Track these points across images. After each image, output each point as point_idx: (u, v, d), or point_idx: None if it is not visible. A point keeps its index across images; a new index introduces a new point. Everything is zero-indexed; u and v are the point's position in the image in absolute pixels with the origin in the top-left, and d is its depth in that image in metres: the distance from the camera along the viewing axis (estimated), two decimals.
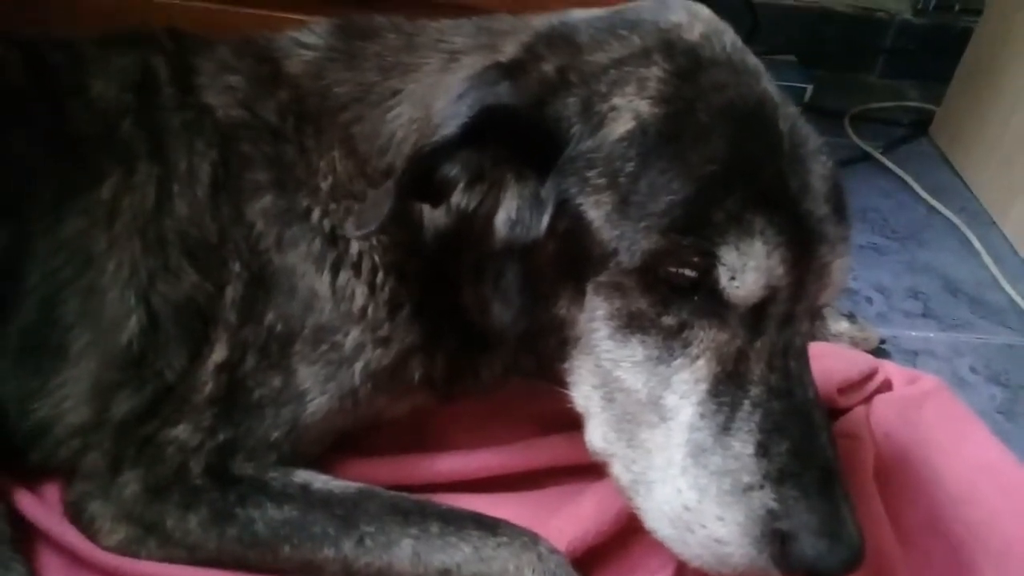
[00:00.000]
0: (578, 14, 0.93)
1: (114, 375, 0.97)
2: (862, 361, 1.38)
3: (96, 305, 0.97)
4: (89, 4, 1.50)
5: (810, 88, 2.35)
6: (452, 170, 0.84)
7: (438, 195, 0.86)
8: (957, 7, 2.56)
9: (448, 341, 1.01)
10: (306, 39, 1.08)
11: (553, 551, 0.93)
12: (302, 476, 0.98)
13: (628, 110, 0.81)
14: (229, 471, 0.96)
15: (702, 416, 0.79)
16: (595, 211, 0.81)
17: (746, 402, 0.78)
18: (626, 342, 0.82)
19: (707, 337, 0.79)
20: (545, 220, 0.84)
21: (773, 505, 0.75)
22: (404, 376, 1.01)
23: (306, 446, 1.00)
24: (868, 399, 1.34)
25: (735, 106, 0.81)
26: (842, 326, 1.48)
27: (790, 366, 0.80)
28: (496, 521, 0.95)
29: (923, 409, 1.33)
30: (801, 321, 0.81)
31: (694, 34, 0.87)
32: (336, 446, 1.07)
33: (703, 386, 0.79)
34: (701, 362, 0.79)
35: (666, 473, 0.80)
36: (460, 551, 0.92)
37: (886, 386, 1.38)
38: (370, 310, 0.98)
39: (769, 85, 0.86)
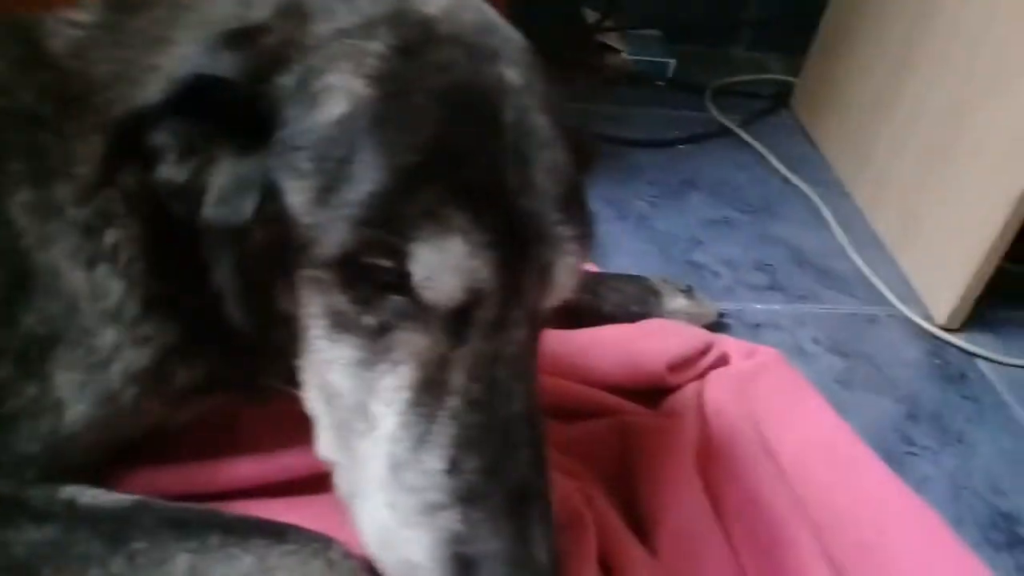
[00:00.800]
0: None
1: None
2: (696, 337, 1.37)
3: None
4: None
5: (672, 63, 2.36)
6: (160, 139, 0.79)
7: (149, 163, 0.80)
8: None
9: (210, 341, 0.94)
10: (76, 17, 1.00)
11: (347, 556, 0.88)
12: (68, 492, 0.89)
13: (342, 90, 0.74)
14: None
15: (402, 427, 0.74)
16: (298, 197, 0.75)
17: (442, 414, 0.73)
18: (337, 342, 0.76)
19: (409, 341, 0.74)
20: (250, 204, 0.78)
21: (459, 527, 0.70)
22: (167, 379, 0.94)
23: (73, 458, 0.92)
24: (702, 375, 1.34)
25: (454, 91, 0.74)
26: (678, 302, 1.47)
27: (497, 376, 0.73)
28: (285, 528, 0.89)
29: (758, 382, 1.34)
30: (517, 327, 0.75)
31: (433, 6, 0.80)
32: (125, 456, 0.99)
33: (405, 395, 0.74)
34: (403, 368, 0.74)
35: (370, 487, 0.75)
36: (241, 562, 0.86)
37: (722, 361, 1.38)
38: (127, 307, 0.90)
39: (510, 70, 0.78)
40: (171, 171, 0.80)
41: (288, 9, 0.81)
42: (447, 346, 0.73)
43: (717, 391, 1.29)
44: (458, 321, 0.73)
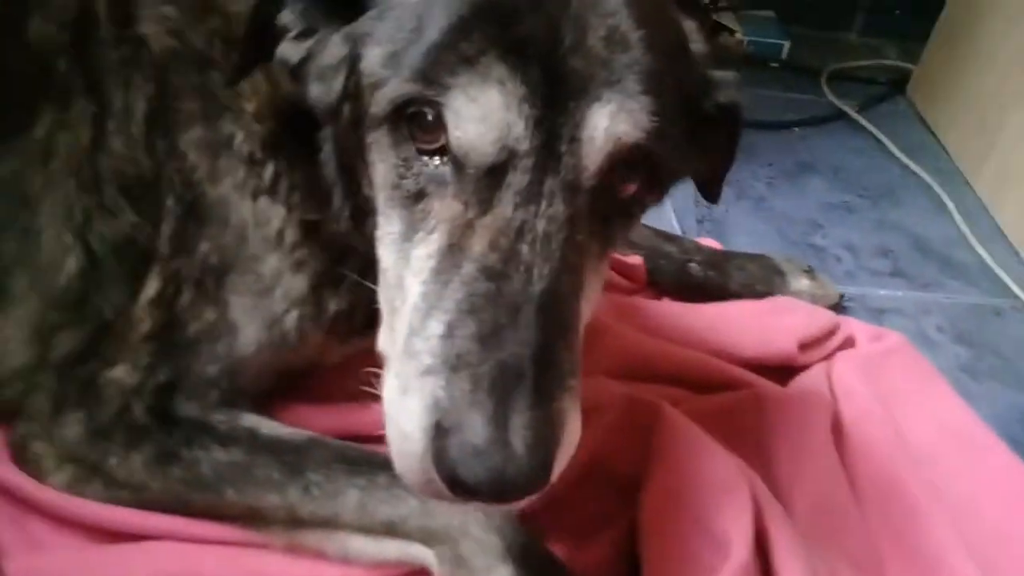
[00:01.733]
0: None
1: (54, 316, 0.95)
2: (824, 317, 1.37)
3: (33, 246, 0.95)
4: None
5: (787, 45, 2.32)
6: (286, 17, 0.83)
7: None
8: None
9: (347, 266, 0.96)
10: None
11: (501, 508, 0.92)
12: (249, 420, 0.96)
13: None
14: (172, 411, 0.94)
15: (422, 295, 0.72)
16: (371, 60, 0.77)
17: (456, 280, 0.70)
18: (388, 216, 0.77)
19: (442, 208, 0.73)
20: (340, 78, 0.80)
21: (441, 394, 0.66)
22: (321, 305, 0.99)
23: (245, 383, 0.98)
24: (829, 356, 1.33)
25: None
26: (802, 283, 1.46)
27: (518, 248, 0.69)
28: None
29: (886, 367, 1.33)
30: (551, 201, 0.71)
31: None
32: (282, 393, 1.05)
33: (431, 263, 0.73)
34: (435, 235, 0.73)
35: (390, 360, 0.74)
36: (406, 504, 0.90)
37: (849, 343, 1.37)
38: (287, 234, 0.95)
39: None
40: (290, 49, 0.85)
41: None
42: (476, 212, 0.71)
43: (846, 372, 1.29)
44: (489, 185, 0.71)
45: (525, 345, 0.67)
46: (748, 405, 1.16)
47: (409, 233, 0.75)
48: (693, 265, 1.41)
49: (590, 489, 0.98)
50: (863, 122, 2.13)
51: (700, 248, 1.45)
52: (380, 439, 1.00)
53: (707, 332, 1.28)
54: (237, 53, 0.89)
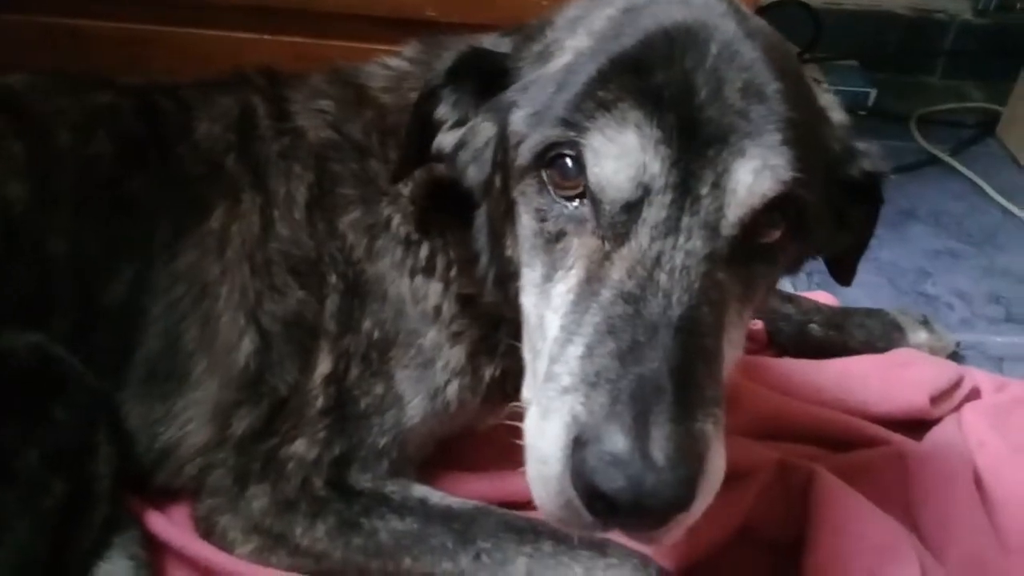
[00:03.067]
0: None
1: (233, 394, 1.02)
2: (949, 369, 1.38)
3: (212, 330, 1.03)
4: (189, 46, 1.59)
5: (873, 92, 2.35)
6: (442, 111, 0.91)
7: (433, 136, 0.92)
8: (1019, 6, 2.53)
9: (499, 333, 1.01)
10: (390, 61, 1.15)
11: (662, 572, 0.95)
12: (420, 490, 1.01)
13: (571, 47, 0.83)
14: (348, 483, 1.00)
15: (562, 327, 0.74)
16: (517, 121, 0.83)
17: (594, 306, 0.72)
18: (531, 266, 0.81)
19: (580, 244, 0.77)
20: (491, 154, 0.87)
21: (580, 409, 0.67)
22: (477, 372, 1.04)
23: (411, 452, 1.04)
24: (958, 407, 1.34)
25: (660, 27, 0.78)
26: (920, 336, 1.47)
27: (656, 276, 0.71)
28: (605, 541, 0.97)
29: (1014, 416, 1.33)
30: (688, 236, 0.73)
31: None
32: (436, 460, 1.10)
33: (570, 297, 0.76)
34: (573, 271, 0.76)
35: (532, 393, 0.76)
36: (571, 571, 0.94)
37: (974, 394, 1.37)
38: (444, 308, 1.01)
39: (729, 22, 0.79)
40: (446, 139, 0.93)
41: (552, 14, 0.91)
42: (613, 244, 0.74)
43: (976, 424, 1.29)
44: (625, 221, 0.74)
45: (664, 361, 0.67)
46: (890, 462, 1.17)
47: (549, 274, 0.79)
48: (814, 326, 1.43)
49: (744, 553, 1.01)
50: (958, 166, 2.13)
51: (819, 308, 1.47)
52: (532, 504, 1.06)
53: (836, 389, 1.30)
54: (400, 151, 0.97)
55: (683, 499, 0.65)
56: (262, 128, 1.11)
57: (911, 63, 2.59)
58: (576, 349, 0.71)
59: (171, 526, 1.01)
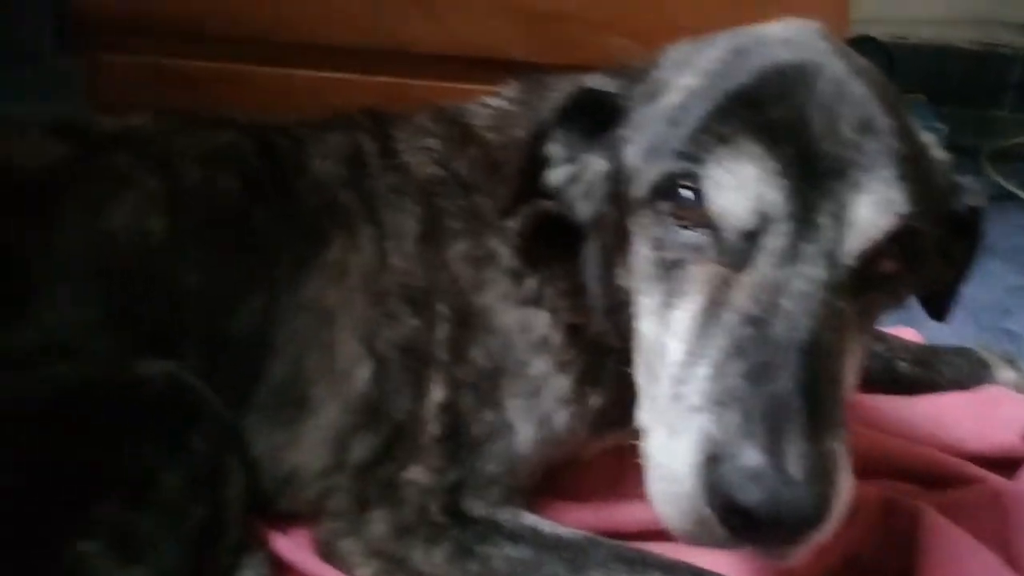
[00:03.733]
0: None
1: (351, 420, 1.07)
2: None
3: (332, 358, 1.08)
4: (284, 85, 1.66)
5: (945, 129, 2.35)
6: (552, 149, 0.95)
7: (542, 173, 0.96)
8: None
9: (606, 362, 1.04)
10: (491, 101, 1.20)
11: None
12: (531, 519, 1.05)
13: (680, 86, 0.86)
14: (462, 510, 1.04)
15: (686, 351, 0.77)
16: (632, 156, 0.86)
17: (718, 330, 0.74)
18: (648, 294, 0.83)
19: (700, 271, 0.79)
20: (604, 190, 0.91)
21: (712, 428, 0.69)
22: (584, 401, 1.07)
23: (522, 480, 1.07)
24: None
25: (771, 66, 0.81)
26: (1008, 375, 1.46)
27: (779, 303, 0.73)
28: (712, 573, 0.99)
29: None
30: (810, 263, 0.75)
31: (771, 30, 0.89)
32: (542, 489, 1.13)
33: (691, 323, 0.78)
34: (692, 299, 0.78)
35: (655, 415, 0.78)
36: None
37: None
38: (551, 338, 1.05)
39: (838, 62, 0.82)
40: (556, 175, 0.97)
41: (658, 54, 0.95)
42: (733, 269, 0.77)
43: None
44: (746, 249, 0.77)
45: (793, 380, 0.69)
46: (986, 500, 1.17)
47: (668, 300, 0.81)
48: (902, 363, 1.44)
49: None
50: None
51: (907, 346, 1.47)
52: (635, 535, 1.09)
53: (929, 426, 1.31)
54: (508, 188, 1.01)
55: (819, 514, 0.67)
56: (371, 165, 1.17)
57: (978, 97, 2.59)
58: (704, 370, 0.73)
59: (295, 548, 1.06)
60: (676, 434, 0.72)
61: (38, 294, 0.99)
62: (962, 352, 1.49)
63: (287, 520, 1.11)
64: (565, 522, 1.08)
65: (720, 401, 0.70)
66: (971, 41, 2.56)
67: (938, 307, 1.04)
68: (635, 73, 0.94)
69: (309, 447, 1.07)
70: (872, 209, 0.76)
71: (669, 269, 0.82)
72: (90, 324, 1.01)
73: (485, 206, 1.10)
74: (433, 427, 1.05)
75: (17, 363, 0.95)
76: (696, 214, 0.79)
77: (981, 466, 1.27)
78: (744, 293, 0.75)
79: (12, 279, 1.00)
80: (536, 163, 0.97)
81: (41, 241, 1.02)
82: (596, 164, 0.94)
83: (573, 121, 0.95)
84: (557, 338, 1.06)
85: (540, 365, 1.06)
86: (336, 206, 1.14)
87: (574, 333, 1.05)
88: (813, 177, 0.76)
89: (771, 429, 0.67)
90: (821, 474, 0.67)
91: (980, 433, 1.30)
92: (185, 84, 1.68)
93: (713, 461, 0.68)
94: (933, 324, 1.55)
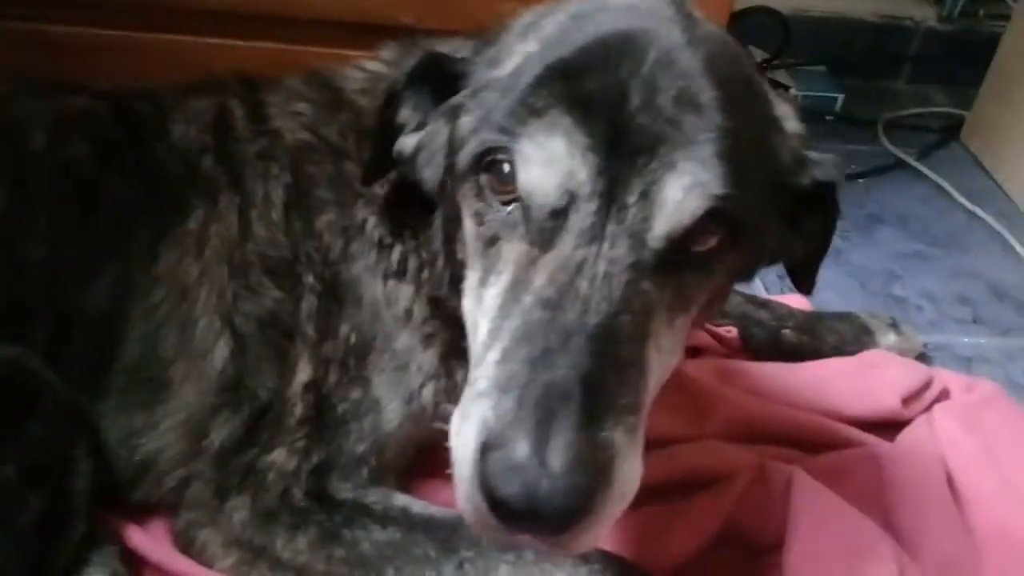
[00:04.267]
0: None
1: (210, 401, 1.02)
2: (919, 370, 1.41)
3: (190, 335, 1.02)
4: (161, 52, 1.57)
5: (841, 98, 2.39)
6: (404, 114, 0.92)
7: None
8: (982, 13, 2.59)
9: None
10: (368, 64, 1.15)
11: None
12: (401, 500, 1.01)
13: (519, 52, 0.83)
14: (329, 493, 1.00)
15: (488, 332, 0.75)
16: (464, 126, 0.83)
17: (516, 311, 0.73)
18: (472, 267, 0.82)
19: (510, 249, 0.77)
20: (443, 156, 0.88)
21: (489, 414, 0.67)
22: (451, 375, 1.04)
23: (391, 459, 1.04)
24: (928, 408, 1.36)
25: (601, 35, 0.78)
26: (890, 339, 1.49)
27: (576, 283, 0.71)
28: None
29: (984, 416, 1.36)
30: (613, 244, 0.73)
31: None
32: (416, 471, 1.10)
33: (498, 300, 0.77)
34: (503, 276, 0.77)
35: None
36: None
37: (944, 395, 1.40)
38: (415, 311, 1.01)
39: (673, 30, 0.78)
40: (406, 142, 0.93)
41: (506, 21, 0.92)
42: (539, 250, 0.75)
43: (947, 424, 1.31)
44: (553, 227, 0.74)
45: (574, 368, 0.67)
46: (864, 463, 1.19)
47: (484, 278, 0.80)
48: (787, 331, 1.45)
49: (725, 555, 1.02)
50: (924, 170, 2.17)
51: (792, 313, 1.49)
52: None
53: (809, 392, 1.32)
54: (368, 154, 0.97)
55: (578, 506, 0.65)
56: (239, 130, 1.11)
57: (877, 69, 2.63)
58: (494, 355, 0.72)
59: (151, 541, 1.00)
60: (466, 419, 0.70)
61: None
62: (845, 318, 1.51)
63: (144, 512, 1.05)
64: (441, 502, 1.05)
65: (501, 388, 0.68)
66: (872, 13, 2.60)
67: (803, 281, 1.00)
68: (488, 38, 0.90)
69: (168, 432, 1.01)
70: (682, 191, 0.72)
71: (487, 245, 0.79)
72: None
73: (355, 174, 1.05)
74: (298, 408, 1.01)
75: None
76: (513, 189, 0.76)
77: (862, 429, 1.29)
78: (544, 274, 0.73)
79: None
80: (390, 129, 0.93)
81: None
82: (439, 131, 0.90)
83: (422, 87, 0.91)
84: (420, 311, 1.02)
85: (405, 339, 1.02)
86: (198, 174, 1.07)
87: (436, 306, 1.02)
88: (624, 153, 0.72)
89: (542, 418, 0.65)
90: (586, 465, 0.65)
91: (860, 397, 1.32)
92: (50, 51, 1.57)
93: (486, 449, 0.66)
94: (821, 292, 1.59)
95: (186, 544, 1.01)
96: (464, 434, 0.69)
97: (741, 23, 2.17)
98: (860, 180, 2.11)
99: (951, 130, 2.40)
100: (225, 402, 1.02)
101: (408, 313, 1.02)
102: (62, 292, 1.00)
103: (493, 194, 0.78)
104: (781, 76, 2.40)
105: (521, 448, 0.64)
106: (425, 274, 1.01)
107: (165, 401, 1.01)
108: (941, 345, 1.60)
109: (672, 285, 0.76)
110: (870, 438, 1.26)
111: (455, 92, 0.87)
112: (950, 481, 1.21)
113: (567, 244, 0.73)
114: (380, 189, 1.03)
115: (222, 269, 1.03)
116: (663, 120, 0.73)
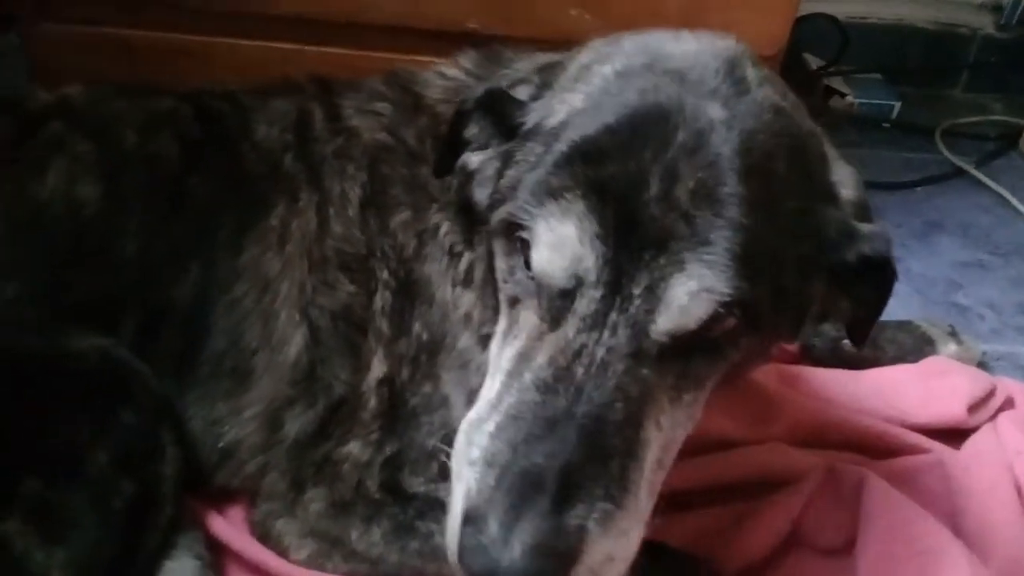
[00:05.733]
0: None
1: (285, 392, 1.05)
2: (983, 379, 1.39)
3: (271, 328, 1.05)
4: (234, 57, 1.62)
5: (898, 105, 2.37)
6: (471, 131, 0.93)
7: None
8: None
9: None
10: (447, 71, 1.17)
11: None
12: None
13: (567, 104, 0.83)
14: (402, 486, 1.02)
15: (496, 393, 0.78)
16: (504, 182, 0.85)
17: (515, 386, 0.75)
18: (502, 312, 0.84)
19: (526, 317, 0.79)
20: (488, 192, 0.89)
21: (472, 485, 0.71)
22: None
23: None
24: (993, 417, 1.35)
25: (637, 107, 0.76)
26: (950, 348, 1.48)
27: (573, 369, 0.72)
28: (661, 545, 0.98)
29: None
30: (614, 332, 0.73)
31: (684, 48, 0.83)
32: None
33: (509, 365, 0.78)
34: (517, 343, 0.79)
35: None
36: None
37: (1008, 403, 1.39)
38: (475, 314, 1.03)
39: (715, 106, 0.76)
40: (471, 159, 0.95)
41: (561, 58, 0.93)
42: (547, 327, 0.76)
43: (1013, 433, 1.30)
44: (562, 307, 0.75)
45: (553, 458, 0.69)
46: (931, 470, 1.19)
47: (507, 332, 0.82)
48: (847, 342, 1.44)
49: (796, 558, 1.03)
50: (983, 178, 2.15)
51: None
52: None
53: (872, 398, 1.32)
54: (436, 153, 1.00)
55: None
56: (317, 130, 1.14)
57: (934, 77, 2.61)
58: (490, 425, 0.74)
59: (231, 528, 1.04)
60: (459, 480, 0.74)
61: None
62: (905, 327, 1.50)
63: (224, 499, 1.09)
64: None
65: (488, 462, 0.71)
66: (928, 21, 2.58)
67: (857, 336, 0.97)
68: (553, 70, 0.91)
69: (249, 421, 1.05)
70: (688, 296, 0.72)
71: (511, 304, 0.81)
72: (19, 296, 0.98)
73: (430, 178, 1.08)
74: (372, 402, 1.03)
75: None
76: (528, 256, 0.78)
77: (927, 437, 1.29)
78: (545, 354, 0.75)
79: None
80: (459, 143, 0.95)
81: None
82: (492, 166, 0.91)
83: (487, 114, 0.92)
84: (480, 315, 1.04)
85: (466, 339, 1.04)
86: (280, 172, 1.11)
87: (493, 311, 1.04)
88: (634, 244, 0.72)
89: (513, 503, 0.68)
90: (547, 549, 0.67)
91: (925, 405, 1.31)
92: (128, 56, 1.63)
93: (466, 521, 0.70)
94: None
95: (263, 534, 1.04)
96: (455, 495, 0.73)
97: (799, 29, 2.17)
98: (918, 188, 2.09)
99: (1009, 138, 2.37)
100: (300, 393, 1.05)
101: (468, 316, 1.04)
102: (151, 285, 1.04)
103: (519, 257, 0.80)
104: (837, 83, 2.39)
105: (491, 527, 0.68)
106: (482, 283, 1.03)
107: (247, 391, 1.05)
108: (1003, 354, 1.58)
109: (676, 369, 0.76)
110: (936, 445, 1.25)
111: (514, 125, 0.88)
112: (1018, 490, 1.20)
113: (571, 327, 0.74)
114: (454, 197, 1.05)
115: (303, 263, 1.07)
116: (678, 214, 0.72)
